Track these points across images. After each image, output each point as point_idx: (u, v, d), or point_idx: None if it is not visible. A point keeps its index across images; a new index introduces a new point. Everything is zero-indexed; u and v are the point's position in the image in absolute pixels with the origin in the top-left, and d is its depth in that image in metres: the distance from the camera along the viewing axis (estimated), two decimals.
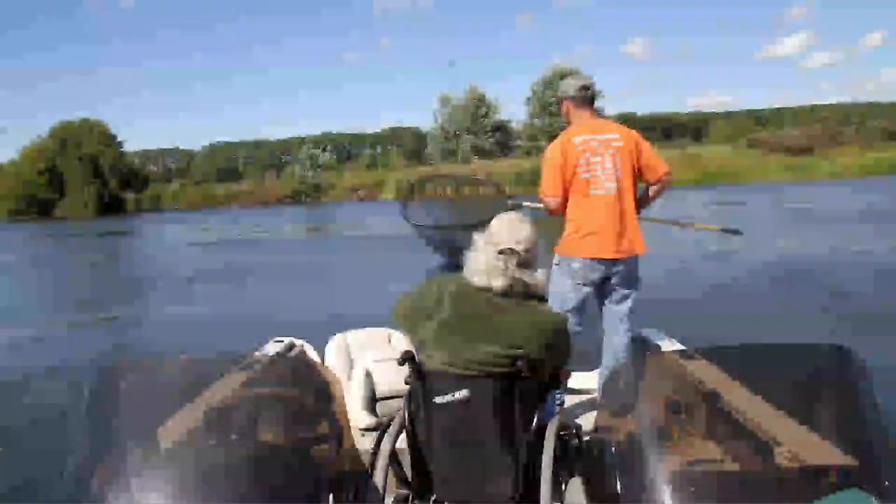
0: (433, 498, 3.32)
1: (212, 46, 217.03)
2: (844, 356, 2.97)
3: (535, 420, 3.22)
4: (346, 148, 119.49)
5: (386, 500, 3.13)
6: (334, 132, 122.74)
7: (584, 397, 5.24)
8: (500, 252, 3.31)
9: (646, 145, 5.05)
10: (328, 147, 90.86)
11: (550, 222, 5.07)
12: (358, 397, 4.72)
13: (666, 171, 5.08)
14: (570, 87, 5.07)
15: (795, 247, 19.35)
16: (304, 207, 63.99)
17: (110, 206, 78.02)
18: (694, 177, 59.63)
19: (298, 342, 5.34)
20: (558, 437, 3.22)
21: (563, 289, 4.88)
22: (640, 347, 4.82)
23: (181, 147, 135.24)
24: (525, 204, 5.71)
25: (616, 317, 5.03)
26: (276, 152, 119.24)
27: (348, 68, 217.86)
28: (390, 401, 4.68)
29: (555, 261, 4.98)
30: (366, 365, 4.93)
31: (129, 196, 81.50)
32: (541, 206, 5.17)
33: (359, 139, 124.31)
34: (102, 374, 3.09)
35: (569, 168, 4.84)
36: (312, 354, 5.31)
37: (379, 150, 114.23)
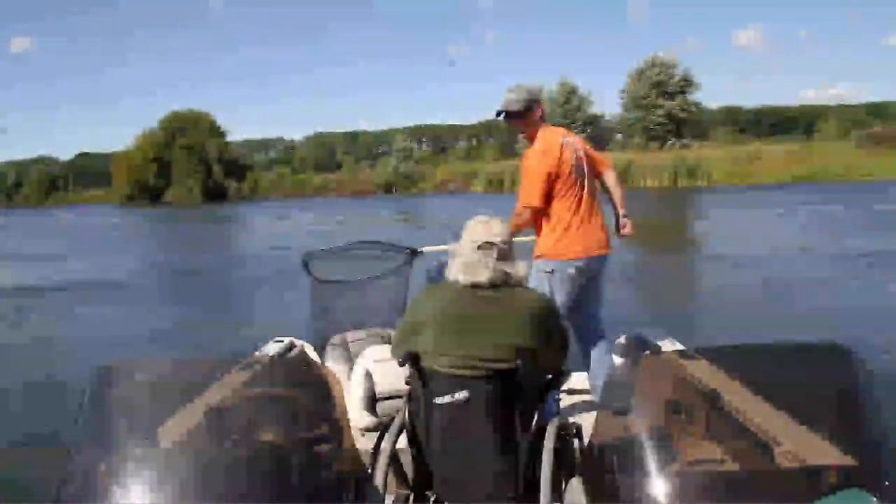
0: (433, 498, 3.33)
1: (317, 39, 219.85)
2: (844, 356, 2.94)
3: (534, 420, 3.22)
4: (442, 140, 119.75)
5: (386, 500, 3.13)
6: (431, 124, 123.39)
7: (583, 397, 5.24)
8: (479, 247, 3.37)
9: (587, 144, 5.27)
10: (424, 139, 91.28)
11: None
12: (358, 397, 4.76)
13: (609, 162, 5.37)
14: (542, 93, 5.07)
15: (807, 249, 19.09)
16: (393, 199, 64.50)
17: (213, 194, 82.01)
18: (800, 173, 57.09)
19: (298, 342, 5.39)
20: (558, 438, 3.22)
21: (557, 294, 4.84)
22: (640, 347, 4.78)
23: (284, 137, 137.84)
24: (428, 249, 5.72)
25: (596, 314, 5.12)
26: (374, 143, 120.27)
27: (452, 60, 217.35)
28: (390, 401, 4.69)
29: (545, 268, 4.93)
30: (366, 365, 4.94)
31: (231, 184, 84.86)
32: (446, 246, 5.17)
33: (455, 131, 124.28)
34: (102, 374, 3.09)
35: (564, 171, 4.87)
36: (312, 354, 5.34)
37: (474, 142, 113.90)
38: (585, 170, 5.00)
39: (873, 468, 2.67)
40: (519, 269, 3.42)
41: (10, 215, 69.00)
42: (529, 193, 4.89)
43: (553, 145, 4.91)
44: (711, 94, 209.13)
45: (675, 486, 2.70)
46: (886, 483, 2.56)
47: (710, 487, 2.73)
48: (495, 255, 3.36)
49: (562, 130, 5.12)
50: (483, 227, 3.45)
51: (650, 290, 14.89)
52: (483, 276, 3.32)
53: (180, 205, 73.27)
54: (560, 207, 4.89)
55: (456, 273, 3.39)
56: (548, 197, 4.87)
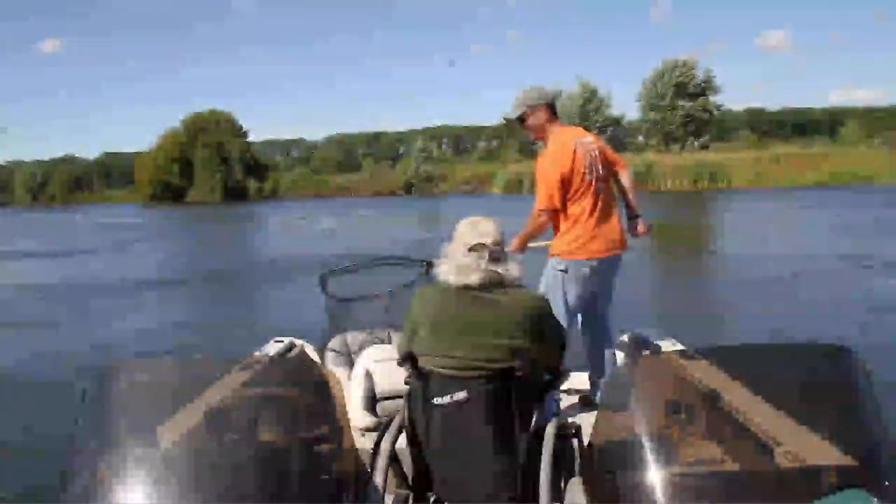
0: (433, 498, 3.35)
1: (338, 39, 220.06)
2: (844, 356, 2.95)
3: (534, 420, 3.24)
4: (462, 141, 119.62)
5: (386, 500, 3.14)
6: (452, 125, 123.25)
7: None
8: (470, 249, 3.37)
9: (605, 144, 5.22)
10: (444, 140, 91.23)
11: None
12: (358, 397, 4.74)
13: (625, 162, 5.33)
14: (547, 96, 5.09)
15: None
16: (414, 200, 64.71)
17: (235, 193, 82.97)
18: (823, 177, 56.39)
19: (298, 342, 5.37)
20: (558, 438, 3.23)
21: (569, 293, 4.88)
22: (640, 347, 4.76)
23: (305, 138, 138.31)
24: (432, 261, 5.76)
25: (606, 314, 5.16)
26: (394, 144, 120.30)
27: (473, 60, 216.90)
28: (390, 401, 4.67)
29: (558, 266, 4.94)
30: (366, 365, 4.91)
31: (252, 184, 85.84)
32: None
33: (475, 132, 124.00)
34: (102, 374, 3.11)
35: (577, 172, 4.85)
36: (312, 354, 5.33)
37: (494, 143, 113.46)
38: (600, 170, 4.96)
39: (873, 468, 2.67)
40: (512, 269, 3.42)
41: (36, 214, 69.54)
42: (545, 196, 4.91)
43: (566, 147, 4.89)
44: (735, 97, 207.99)
45: (674, 486, 2.70)
46: (886, 483, 2.56)
47: (709, 487, 2.73)
48: (487, 257, 3.36)
49: (577, 130, 5.09)
50: (474, 229, 3.46)
51: (655, 291, 14.92)
52: (474, 278, 3.33)
53: (202, 204, 74.29)
54: (576, 208, 4.89)
55: (447, 275, 3.40)
56: (563, 198, 4.87)
